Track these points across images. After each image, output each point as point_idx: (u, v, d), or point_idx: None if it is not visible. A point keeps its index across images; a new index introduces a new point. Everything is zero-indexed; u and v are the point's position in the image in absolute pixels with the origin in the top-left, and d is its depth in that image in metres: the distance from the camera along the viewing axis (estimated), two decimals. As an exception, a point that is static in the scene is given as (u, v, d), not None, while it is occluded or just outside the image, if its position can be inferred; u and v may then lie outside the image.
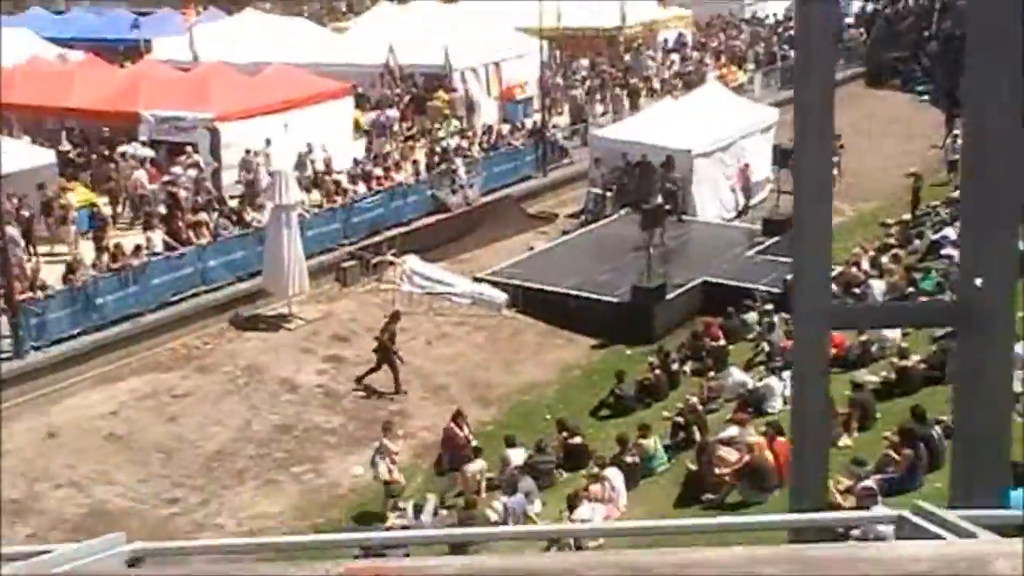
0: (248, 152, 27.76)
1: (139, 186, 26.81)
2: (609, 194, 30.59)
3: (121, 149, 28.03)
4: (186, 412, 20.60)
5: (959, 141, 34.14)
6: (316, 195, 27.72)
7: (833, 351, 20.61)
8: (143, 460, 19.12)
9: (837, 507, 13.03)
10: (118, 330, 22.11)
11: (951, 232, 26.43)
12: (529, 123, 34.96)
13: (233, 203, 26.49)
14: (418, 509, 17.20)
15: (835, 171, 35.17)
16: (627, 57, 43.12)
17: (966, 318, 1.76)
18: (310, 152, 28.90)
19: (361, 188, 27.82)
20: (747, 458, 15.38)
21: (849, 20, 52.84)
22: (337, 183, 27.71)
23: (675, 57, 44.23)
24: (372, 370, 22.03)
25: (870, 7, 57.15)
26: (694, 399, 18.95)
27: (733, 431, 16.71)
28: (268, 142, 28.27)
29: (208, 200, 25.99)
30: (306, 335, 23.72)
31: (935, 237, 27.02)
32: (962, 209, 1.93)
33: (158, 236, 23.74)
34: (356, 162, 29.16)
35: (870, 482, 12.93)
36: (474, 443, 19.04)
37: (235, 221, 25.26)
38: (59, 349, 21.22)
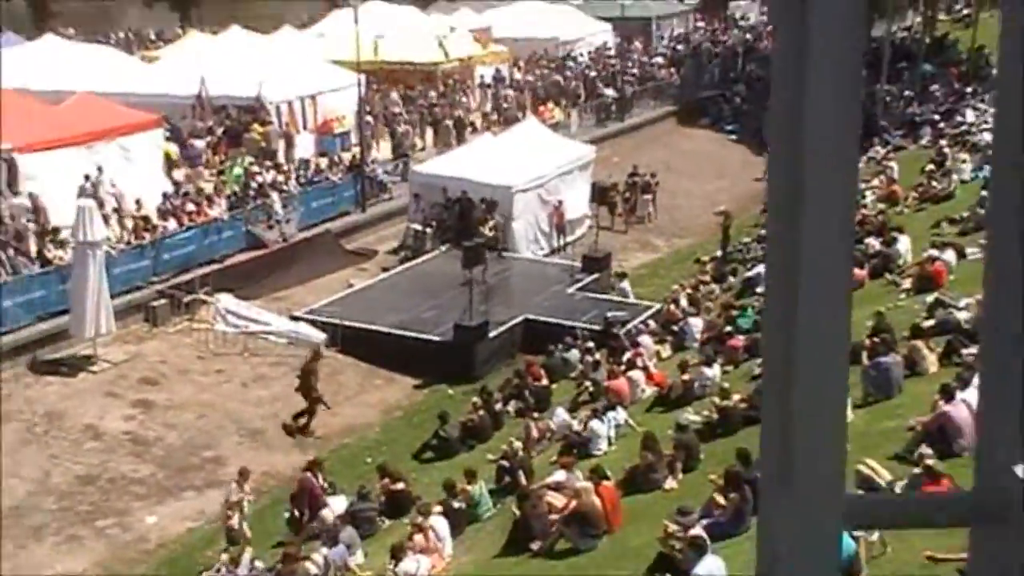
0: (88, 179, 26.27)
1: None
2: (429, 230, 30.30)
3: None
4: (-22, 464, 19.11)
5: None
6: (122, 230, 26.45)
7: (655, 389, 20.72)
8: (-71, 519, 17.62)
9: (669, 555, 12.83)
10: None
11: (762, 269, 27.00)
12: (347, 157, 34.29)
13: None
14: (234, 563, 16.32)
15: (651, 208, 35.90)
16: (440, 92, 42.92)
17: (995, 514, 1.33)
18: (99, 183, 27.53)
19: (172, 224, 26.65)
20: (574, 504, 15.09)
21: (659, 60, 54.10)
22: (146, 219, 26.50)
23: (492, 93, 44.23)
24: (306, 412, 21.51)
25: (680, 47, 58.67)
26: (518, 442, 18.59)
27: (560, 476, 16.43)
28: (99, 169, 27.06)
29: (7, 236, 24.39)
30: (112, 379, 22.53)
31: (749, 274, 27.61)
32: (983, 364, 1.47)
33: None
34: (165, 196, 27.94)
35: (698, 529, 12.77)
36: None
37: (35, 258, 23.75)
38: None
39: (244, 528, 17.31)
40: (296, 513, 17.84)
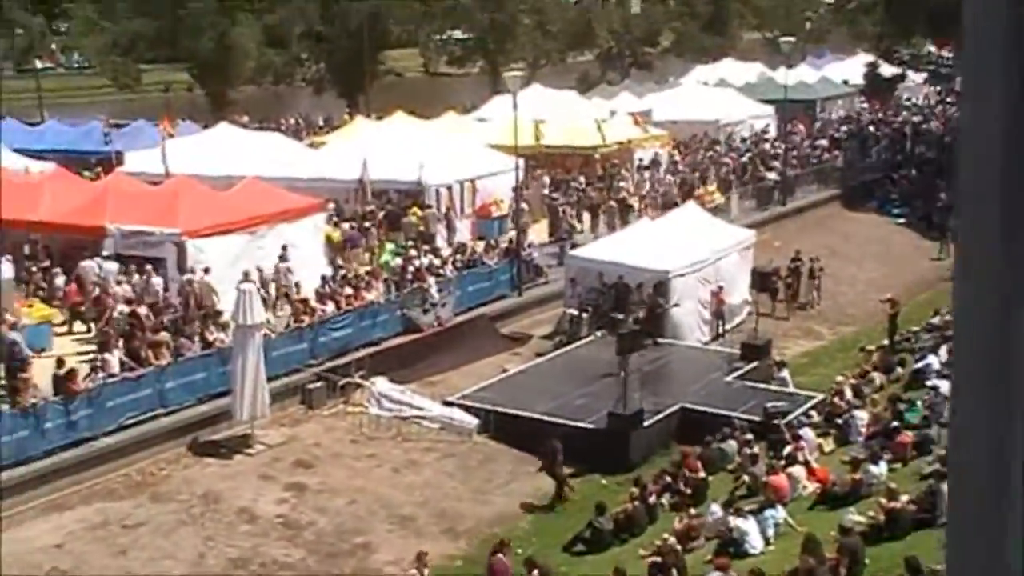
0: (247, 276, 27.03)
1: (109, 304, 25.65)
2: (585, 315, 29.97)
3: (83, 264, 27.15)
4: (137, 544, 19.43)
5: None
6: (284, 312, 26.95)
7: (817, 486, 19.83)
8: (87, 598, 17.91)
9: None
10: (68, 455, 20.96)
11: (934, 360, 25.85)
12: (504, 241, 34.39)
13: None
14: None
15: (814, 293, 34.90)
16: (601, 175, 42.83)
17: None
18: (283, 267, 28.19)
19: (330, 307, 27.00)
20: (730, 609, 14.39)
21: (823, 142, 53.08)
22: (305, 301, 26.90)
23: (649, 176, 44.00)
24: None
25: (844, 129, 57.52)
26: (672, 538, 17.96)
27: (715, 577, 15.74)
28: (284, 248, 28.18)
29: (174, 319, 25.07)
30: (267, 461, 22.74)
31: (918, 365, 26.45)
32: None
33: (115, 356, 22.71)
34: (324, 280, 28.38)
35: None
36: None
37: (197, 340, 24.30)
38: (5, 475, 20.04)
39: None
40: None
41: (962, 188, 1.36)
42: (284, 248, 28.98)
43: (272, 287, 27.80)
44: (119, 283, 26.55)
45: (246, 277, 24.29)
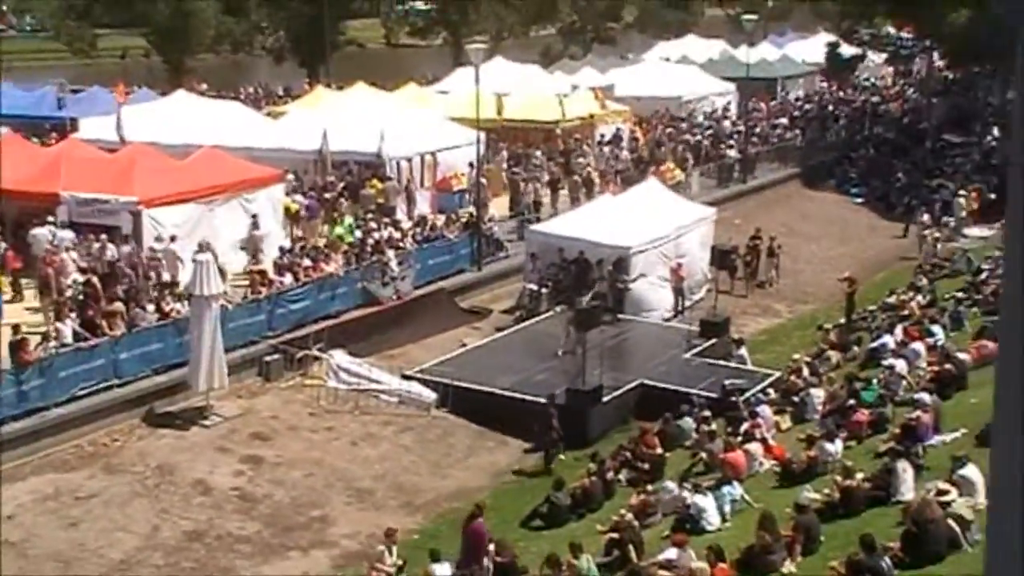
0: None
1: (62, 272, 25.30)
2: (545, 291, 29.94)
3: (35, 231, 26.72)
4: (89, 516, 19.21)
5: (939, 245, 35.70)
6: (241, 284, 26.75)
7: (774, 463, 19.94)
8: (38, 570, 17.67)
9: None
10: (20, 426, 20.66)
11: (889, 340, 26.06)
12: (465, 215, 34.24)
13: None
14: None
15: (773, 272, 35.07)
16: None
17: None
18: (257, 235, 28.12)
19: (288, 279, 26.80)
20: (688, 585, 14.45)
21: (783, 121, 53.27)
22: (263, 273, 26.69)
23: (611, 151, 43.93)
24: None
25: (804, 108, 57.73)
26: (629, 514, 18.00)
27: (672, 553, 15.79)
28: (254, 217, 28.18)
29: (129, 289, 24.75)
30: (224, 433, 22.54)
31: (874, 344, 26.65)
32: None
33: (68, 326, 22.38)
34: (283, 251, 28.16)
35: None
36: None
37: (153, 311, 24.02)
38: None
39: None
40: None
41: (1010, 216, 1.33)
42: (255, 217, 29.01)
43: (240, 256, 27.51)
44: (69, 250, 26.12)
45: (202, 248, 24.00)
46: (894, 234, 42.23)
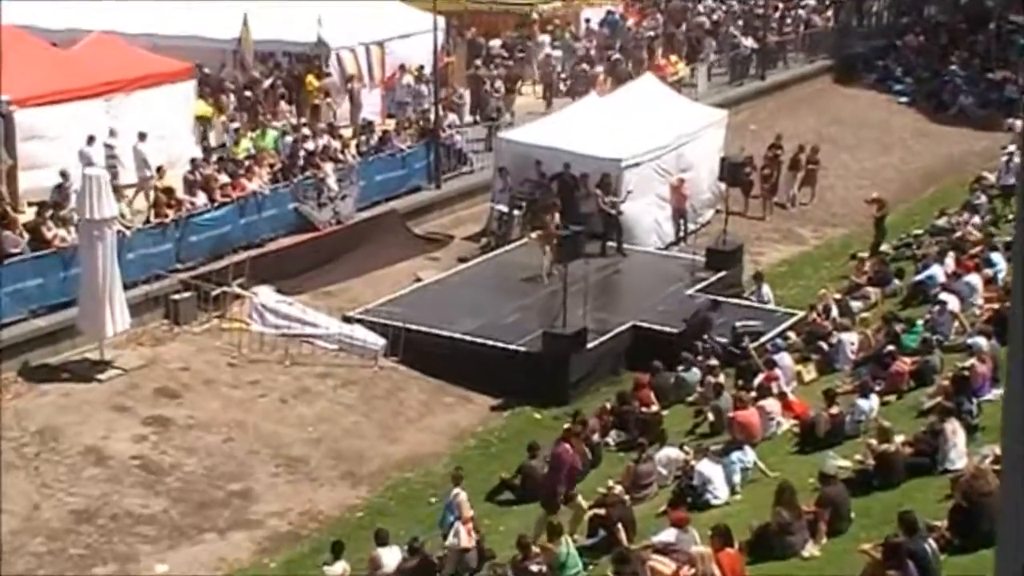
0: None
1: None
2: (518, 213, 29.90)
3: None
4: (-45, 492, 19.17)
5: (1015, 159, 34.39)
6: (141, 204, 26.67)
7: (794, 423, 20.04)
8: None
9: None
10: None
11: (939, 271, 26.09)
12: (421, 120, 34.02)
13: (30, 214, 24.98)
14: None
15: (794, 189, 35.04)
16: (543, 40, 42.52)
17: None
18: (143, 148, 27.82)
19: (201, 199, 26.60)
20: (687, 573, 14.49)
21: (812, 2, 52.92)
22: (170, 191, 26.49)
23: (600, 42, 43.68)
24: None
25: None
26: (618, 486, 18.03)
27: (669, 535, 15.84)
28: (112, 132, 27.51)
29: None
30: (122, 389, 22.55)
31: (919, 277, 26.69)
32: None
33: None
34: (195, 165, 27.90)
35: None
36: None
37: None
38: None
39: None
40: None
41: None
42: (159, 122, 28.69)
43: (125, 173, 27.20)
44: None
45: (91, 160, 23.79)
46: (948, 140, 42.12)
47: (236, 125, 32.46)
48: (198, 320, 24.98)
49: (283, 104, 33.60)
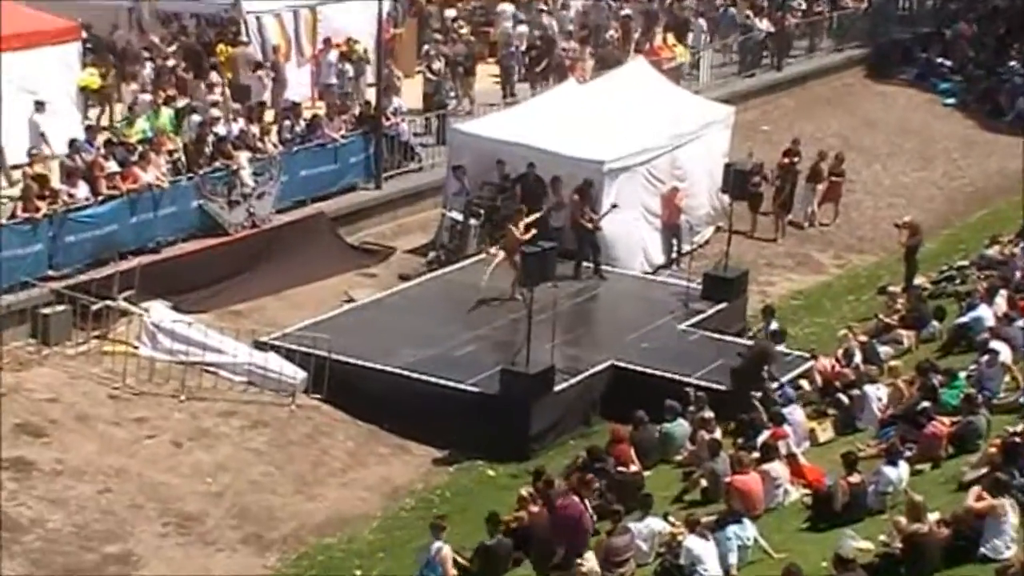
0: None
1: None
2: (475, 222, 30.01)
3: None
4: None
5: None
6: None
7: (804, 492, 20.09)
8: None
9: None
10: None
11: (986, 313, 26.21)
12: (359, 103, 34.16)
13: None
14: None
15: (813, 206, 35.20)
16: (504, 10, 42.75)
17: None
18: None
19: (82, 190, 26.55)
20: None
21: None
22: (43, 179, 26.42)
23: (581, 18, 43.93)
24: None
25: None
26: (590, 563, 18.03)
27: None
28: None
29: None
30: (-27, 424, 22.46)
31: (964, 319, 26.80)
32: None
33: None
34: (75, 148, 27.84)
35: None
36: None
37: None
38: None
39: None
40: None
41: None
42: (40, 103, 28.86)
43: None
44: None
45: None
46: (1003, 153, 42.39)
47: (129, 101, 32.36)
48: (73, 340, 24.97)
49: (174, 78, 33.47)
